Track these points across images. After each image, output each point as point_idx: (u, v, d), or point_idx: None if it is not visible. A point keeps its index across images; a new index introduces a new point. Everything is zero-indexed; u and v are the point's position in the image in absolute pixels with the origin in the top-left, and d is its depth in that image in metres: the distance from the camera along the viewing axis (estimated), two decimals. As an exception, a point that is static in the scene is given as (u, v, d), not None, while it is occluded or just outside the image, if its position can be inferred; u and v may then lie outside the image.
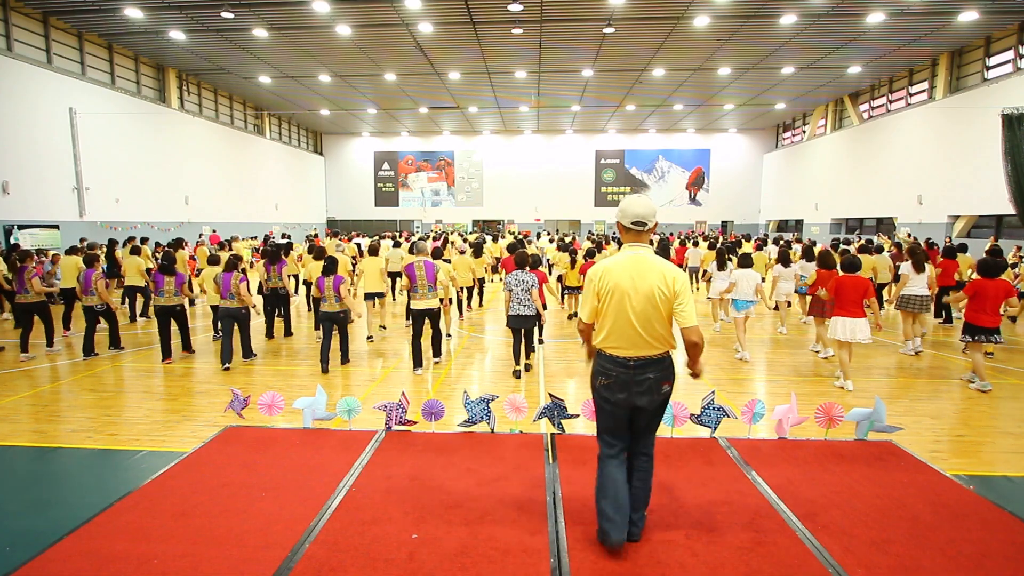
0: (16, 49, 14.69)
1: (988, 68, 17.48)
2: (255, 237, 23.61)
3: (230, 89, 24.64)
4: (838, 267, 6.82)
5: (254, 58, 19.40)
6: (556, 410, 4.08)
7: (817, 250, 9.88)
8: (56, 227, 15.46)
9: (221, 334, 7.30)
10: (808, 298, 10.04)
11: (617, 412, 2.71)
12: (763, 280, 10.26)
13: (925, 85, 20.36)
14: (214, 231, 22.12)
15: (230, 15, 15.00)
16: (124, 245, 13.15)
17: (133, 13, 15.17)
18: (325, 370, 6.81)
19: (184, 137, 21.50)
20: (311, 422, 4.28)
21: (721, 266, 9.10)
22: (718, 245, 11.01)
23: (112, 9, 15.00)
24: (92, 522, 2.94)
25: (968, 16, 15.17)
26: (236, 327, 7.32)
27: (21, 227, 14.36)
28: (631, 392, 2.64)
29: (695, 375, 2.76)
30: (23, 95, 14.60)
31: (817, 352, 7.74)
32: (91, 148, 16.66)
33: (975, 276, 6.48)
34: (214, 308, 8.54)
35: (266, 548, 2.70)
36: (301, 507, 3.08)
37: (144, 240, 14.67)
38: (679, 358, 2.68)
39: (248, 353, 7.44)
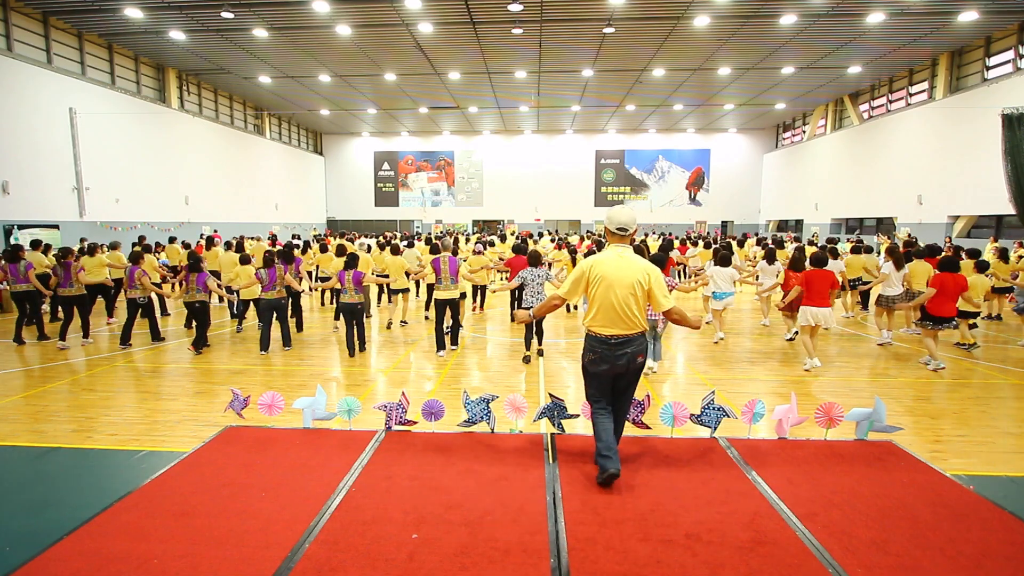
0: (16, 49, 14.69)
1: (988, 68, 17.48)
2: (254, 237, 23.59)
3: (230, 89, 24.64)
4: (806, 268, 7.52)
5: (254, 58, 19.41)
6: (556, 410, 4.08)
7: (789, 250, 10.42)
8: (56, 227, 15.45)
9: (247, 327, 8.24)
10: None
11: (601, 380, 3.38)
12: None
13: (925, 85, 20.37)
14: (215, 231, 22.12)
15: (230, 15, 15.00)
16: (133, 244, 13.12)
17: (133, 13, 15.17)
18: (352, 354, 7.52)
19: (184, 137, 21.50)
20: (311, 422, 4.28)
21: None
22: (714, 245, 11.26)
23: (112, 9, 15.00)
24: (92, 522, 2.94)
25: (968, 16, 15.18)
26: (276, 317, 8.07)
27: (21, 227, 14.36)
28: (613, 364, 3.28)
29: (696, 326, 3.54)
30: (23, 95, 14.60)
31: (791, 338, 8.40)
32: (91, 148, 16.66)
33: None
34: (244, 303, 9.33)
35: (266, 548, 2.69)
36: (301, 507, 3.08)
37: (172, 240, 14.71)
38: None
39: (287, 342, 8.04)
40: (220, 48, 18.42)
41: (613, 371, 3.31)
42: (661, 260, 6.44)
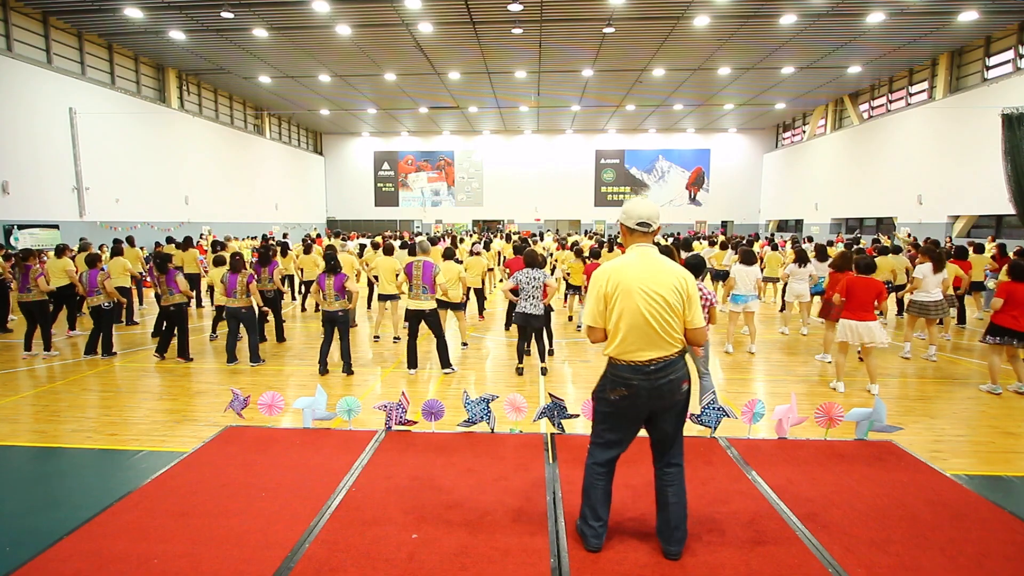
0: (16, 49, 14.69)
1: (988, 68, 17.47)
2: (255, 237, 23.61)
3: (230, 89, 24.63)
4: (853, 269, 6.46)
5: (254, 58, 19.40)
6: (556, 410, 4.08)
7: (832, 251, 9.55)
8: (56, 227, 15.45)
9: (226, 334, 7.37)
10: (816, 299, 9.95)
11: (629, 421, 2.63)
12: (778, 280, 10.16)
13: (925, 85, 20.36)
14: (211, 232, 22.12)
15: (230, 15, 15.00)
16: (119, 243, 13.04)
17: (133, 13, 15.16)
18: (323, 371, 6.70)
19: (184, 137, 21.50)
20: (311, 422, 4.28)
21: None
22: (737, 245, 10.83)
23: (112, 9, 14.99)
24: (92, 522, 2.94)
25: (968, 16, 15.17)
26: (243, 328, 7.33)
27: (21, 227, 14.36)
28: (652, 398, 2.55)
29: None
30: (23, 95, 14.59)
31: (828, 361, 7.29)
32: (91, 148, 16.66)
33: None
34: (219, 308, 8.44)
35: (266, 548, 2.70)
36: (301, 507, 3.08)
37: (170, 240, 14.51)
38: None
39: (255, 358, 7.26)
40: (220, 48, 18.41)
41: (652, 407, 2.58)
42: (699, 266, 5.23)
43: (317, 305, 6.92)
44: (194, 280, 11.36)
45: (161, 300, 7.33)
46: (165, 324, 7.51)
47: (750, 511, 3.07)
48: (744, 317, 7.97)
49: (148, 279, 11.67)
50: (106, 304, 7.48)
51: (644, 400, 2.56)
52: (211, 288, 8.34)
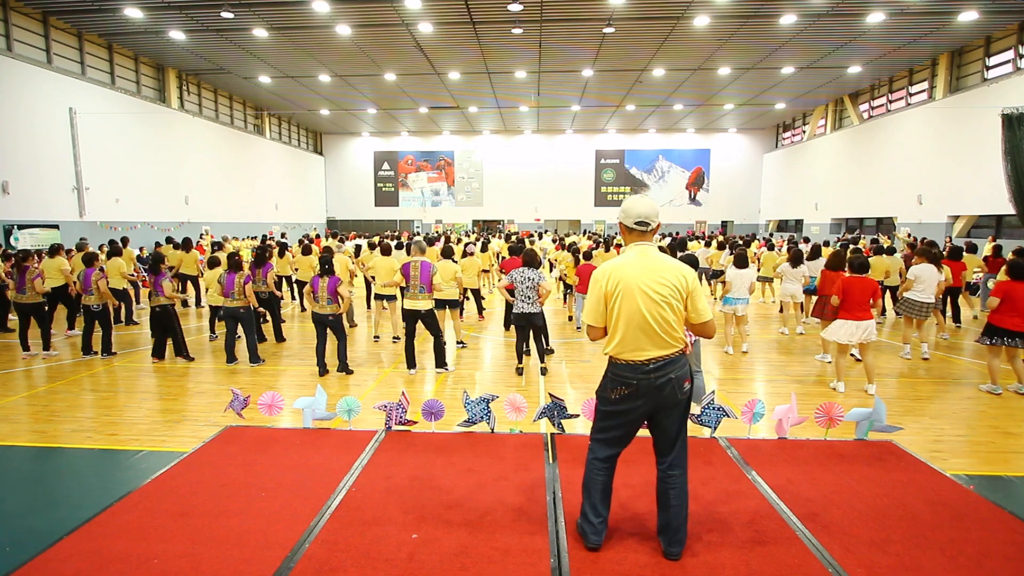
0: (16, 49, 14.69)
1: (988, 68, 17.48)
2: (254, 237, 23.60)
3: (230, 89, 24.64)
4: (846, 268, 6.42)
5: (254, 58, 19.40)
6: (556, 410, 4.08)
7: (827, 251, 9.51)
8: (56, 227, 15.45)
9: (224, 334, 7.40)
10: (813, 298, 9.96)
11: (630, 420, 2.62)
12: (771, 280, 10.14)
13: (925, 85, 20.37)
14: (210, 232, 22.12)
15: (230, 15, 15.00)
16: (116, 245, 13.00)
17: (133, 13, 15.17)
18: (322, 373, 6.71)
19: (184, 137, 21.50)
20: (311, 422, 4.28)
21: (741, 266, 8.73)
22: (735, 245, 10.77)
23: (112, 9, 15.00)
24: (92, 522, 2.94)
25: (968, 16, 15.18)
26: (242, 328, 7.34)
27: (21, 227, 14.35)
28: (652, 398, 2.54)
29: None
30: (23, 95, 14.59)
31: (828, 361, 7.27)
32: (91, 148, 16.66)
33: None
34: (214, 308, 8.43)
35: (266, 548, 2.69)
36: (301, 507, 3.08)
37: (170, 240, 14.44)
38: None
39: (255, 358, 7.27)
40: (220, 48, 18.41)
41: (654, 406, 2.57)
42: (693, 261, 5.22)
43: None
44: (194, 280, 11.37)
45: (150, 300, 7.40)
46: (154, 325, 7.50)
47: (750, 511, 3.06)
48: (735, 320, 7.92)
49: (147, 279, 11.65)
50: (95, 306, 7.49)
51: (645, 399, 2.55)
52: (208, 287, 8.33)
